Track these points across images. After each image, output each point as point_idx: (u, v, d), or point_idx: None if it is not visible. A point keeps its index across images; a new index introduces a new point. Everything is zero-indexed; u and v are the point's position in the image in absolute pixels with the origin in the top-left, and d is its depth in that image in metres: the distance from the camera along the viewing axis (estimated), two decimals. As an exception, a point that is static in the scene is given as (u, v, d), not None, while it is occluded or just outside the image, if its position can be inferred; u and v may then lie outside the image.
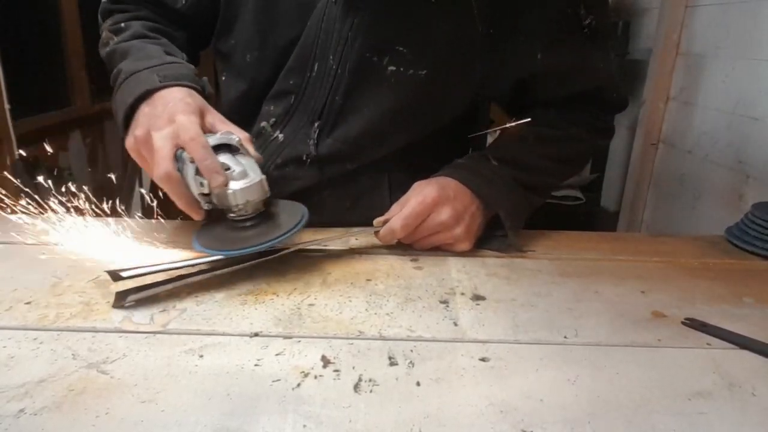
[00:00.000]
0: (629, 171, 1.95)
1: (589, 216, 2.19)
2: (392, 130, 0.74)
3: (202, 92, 0.68)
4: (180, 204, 0.61)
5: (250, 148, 0.63)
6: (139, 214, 0.75)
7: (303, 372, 0.44)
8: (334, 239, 0.70)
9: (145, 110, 0.64)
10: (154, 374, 0.43)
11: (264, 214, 0.62)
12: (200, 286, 0.58)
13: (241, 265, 0.60)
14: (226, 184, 0.58)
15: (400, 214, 0.65)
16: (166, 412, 0.39)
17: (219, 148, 0.60)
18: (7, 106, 1.94)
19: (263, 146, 0.76)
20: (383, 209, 0.69)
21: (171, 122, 0.60)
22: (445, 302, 0.57)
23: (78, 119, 2.39)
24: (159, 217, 0.72)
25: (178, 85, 0.65)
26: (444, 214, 0.66)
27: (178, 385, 0.42)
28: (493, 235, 0.71)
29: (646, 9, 1.99)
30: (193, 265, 0.59)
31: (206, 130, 0.62)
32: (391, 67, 0.70)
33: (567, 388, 0.43)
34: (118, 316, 0.52)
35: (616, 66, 0.88)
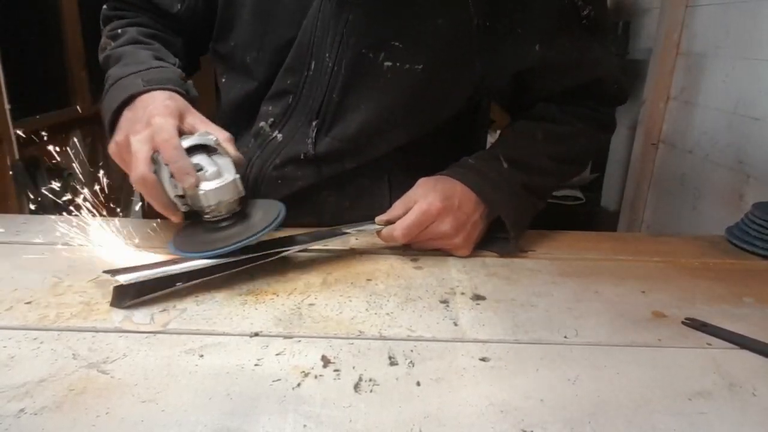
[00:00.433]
0: (629, 171, 1.95)
1: (589, 216, 2.19)
2: (390, 127, 0.74)
3: (186, 95, 0.68)
4: (157, 207, 0.61)
5: (230, 148, 0.63)
6: (137, 209, 0.75)
7: (303, 372, 0.44)
8: (334, 239, 0.70)
9: (127, 115, 0.64)
10: (154, 374, 0.43)
11: (239, 214, 0.62)
12: (200, 286, 0.58)
13: (243, 267, 0.60)
14: (196, 185, 0.58)
15: (402, 222, 0.65)
16: (166, 411, 0.39)
17: (195, 149, 0.60)
18: (7, 106, 1.94)
19: (262, 146, 0.76)
20: (383, 209, 0.69)
21: (148, 125, 0.60)
22: (445, 302, 0.57)
23: (78, 119, 2.39)
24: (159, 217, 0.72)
25: (160, 89, 0.65)
26: (446, 224, 0.66)
27: (179, 384, 0.42)
28: (495, 237, 0.71)
29: (647, 9, 1.99)
30: (192, 271, 0.58)
31: (186, 132, 0.62)
32: (387, 63, 0.70)
33: (567, 388, 0.43)
34: (118, 316, 0.52)
35: (616, 58, 0.87)
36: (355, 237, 0.74)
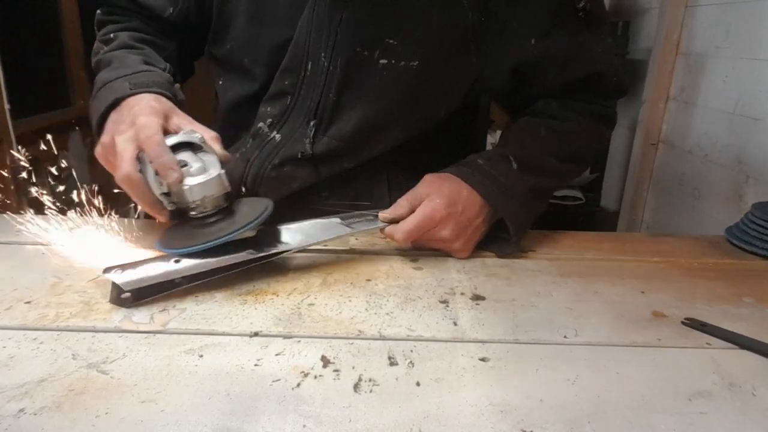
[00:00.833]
0: (629, 171, 1.95)
1: (589, 216, 2.19)
2: (388, 125, 0.74)
3: (173, 99, 0.67)
4: (143, 205, 0.61)
5: (215, 146, 0.62)
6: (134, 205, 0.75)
7: (303, 372, 0.44)
8: (334, 239, 0.70)
9: (113, 117, 0.64)
10: (154, 374, 0.43)
11: (226, 210, 0.61)
12: (200, 285, 0.58)
13: (245, 267, 0.60)
14: (181, 181, 0.57)
15: (403, 226, 0.65)
16: (166, 411, 0.39)
17: (180, 147, 0.59)
18: (7, 106, 1.94)
19: (260, 147, 0.76)
20: (382, 208, 0.68)
21: (132, 125, 0.60)
22: (445, 302, 0.57)
23: (78, 119, 2.39)
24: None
25: (147, 92, 0.65)
26: (447, 230, 0.66)
27: (178, 384, 0.42)
28: (497, 237, 0.70)
29: (646, 9, 1.99)
30: (193, 273, 0.58)
31: (172, 132, 0.62)
32: (383, 60, 0.70)
33: (567, 388, 0.43)
34: (118, 316, 0.52)
35: (614, 51, 0.86)
36: (355, 237, 0.74)
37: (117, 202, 0.69)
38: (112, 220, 0.70)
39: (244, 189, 0.76)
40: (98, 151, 0.64)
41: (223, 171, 0.60)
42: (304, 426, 0.38)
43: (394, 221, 0.66)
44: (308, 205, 0.78)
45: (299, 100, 0.74)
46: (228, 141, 0.81)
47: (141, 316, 0.52)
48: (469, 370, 0.45)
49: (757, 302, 0.59)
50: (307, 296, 0.57)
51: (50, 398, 0.40)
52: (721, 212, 1.51)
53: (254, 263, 0.60)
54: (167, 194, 0.59)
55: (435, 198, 0.66)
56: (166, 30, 0.81)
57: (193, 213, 0.60)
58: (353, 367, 0.45)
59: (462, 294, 0.59)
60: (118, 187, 0.60)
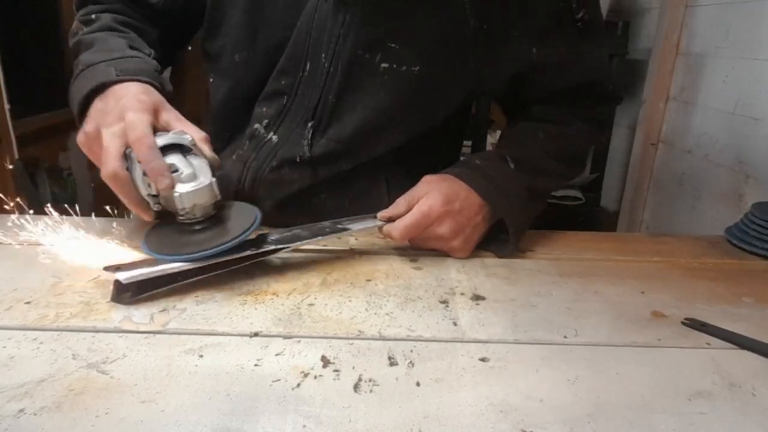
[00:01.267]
0: (629, 171, 1.95)
1: (589, 216, 2.19)
2: (387, 127, 0.74)
3: (161, 89, 0.66)
4: (128, 204, 0.59)
5: (205, 149, 0.61)
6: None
7: (303, 372, 0.44)
8: (334, 239, 0.70)
9: (98, 105, 0.62)
10: (154, 374, 0.43)
11: (214, 217, 0.60)
12: (200, 286, 0.58)
13: (243, 264, 0.60)
14: (172, 187, 0.56)
15: (401, 223, 0.65)
16: (166, 412, 0.39)
17: (170, 149, 0.58)
18: (7, 106, 1.94)
19: (257, 149, 0.75)
20: (381, 209, 0.68)
21: (120, 119, 0.58)
22: (444, 302, 0.57)
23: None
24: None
25: (134, 80, 0.63)
26: (445, 227, 0.66)
27: (178, 385, 0.42)
28: (495, 238, 0.71)
29: (646, 9, 1.99)
30: (192, 269, 0.58)
31: (161, 129, 0.60)
32: (384, 64, 0.70)
33: (567, 388, 0.43)
34: (118, 316, 0.52)
35: (610, 60, 0.88)
36: (355, 237, 0.74)
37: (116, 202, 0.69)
38: (112, 220, 0.70)
39: (241, 191, 0.76)
40: (80, 139, 0.62)
41: (214, 179, 0.58)
42: (304, 426, 0.38)
43: (392, 220, 0.66)
44: (307, 207, 0.77)
45: (296, 100, 0.73)
46: (222, 141, 0.81)
47: (141, 317, 0.52)
48: (469, 370, 0.45)
49: (757, 302, 0.59)
50: (307, 296, 0.57)
51: (50, 398, 0.40)
52: (721, 212, 1.51)
53: (254, 259, 0.60)
54: (155, 195, 0.58)
55: (432, 196, 0.66)
56: (150, 16, 0.79)
57: (181, 218, 0.59)
58: (353, 367, 0.45)
59: (462, 294, 0.59)
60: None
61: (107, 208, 0.71)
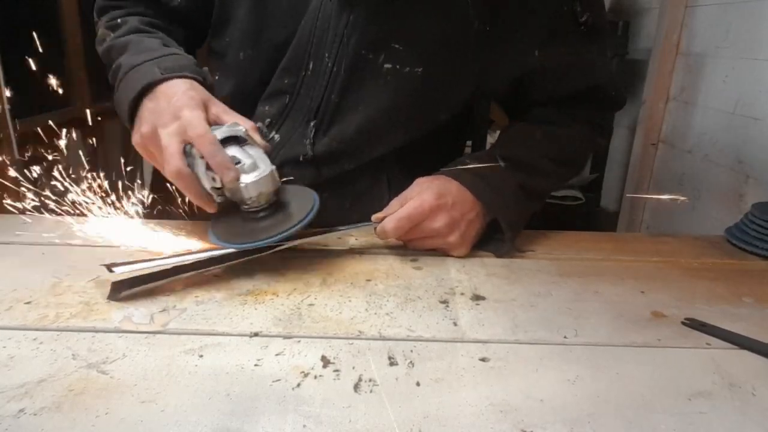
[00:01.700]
0: (629, 171, 1.95)
1: (589, 216, 2.19)
2: (389, 128, 0.74)
3: (204, 82, 0.67)
4: (193, 199, 0.61)
5: (257, 138, 0.63)
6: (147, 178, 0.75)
7: (303, 372, 0.44)
8: (333, 237, 0.70)
9: (148, 105, 0.63)
10: (154, 374, 0.43)
11: (276, 203, 0.63)
12: (200, 286, 0.58)
13: (239, 261, 0.60)
14: (238, 179, 0.59)
15: (393, 216, 0.65)
16: (165, 412, 0.39)
17: (226, 141, 0.60)
18: (7, 106, 1.94)
19: None
20: (382, 209, 0.68)
21: (176, 118, 0.60)
22: (444, 302, 0.57)
23: (78, 119, 2.39)
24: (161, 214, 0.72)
25: (179, 77, 0.64)
26: (439, 221, 0.66)
27: (178, 385, 0.42)
28: (492, 238, 0.71)
29: (646, 9, 1.99)
30: (188, 262, 0.58)
31: (212, 122, 0.62)
32: (387, 65, 0.70)
33: (567, 388, 0.43)
34: (118, 316, 0.52)
35: (614, 64, 0.88)
36: (354, 237, 0.74)
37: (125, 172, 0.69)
38: (112, 220, 0.70)
39: None
40: (137, 141, 0.63)
41: (273, 167, 0.61)
42: (304, 426, 0.38)
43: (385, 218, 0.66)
44: None
45: (298, 99, 0.74)
46: None
47: (141, 317, 0.52)
48: (469, 370, 0.45)
49: (756, 302, 0.59)
50: (307, 296, 0.57)
51: (50, 398, 0.40)
52: (721, 212, 1.51)
53: (249, 257, 0.61)
54: (218, 188, 0.60)
55: (424, 193, 0.66)
56: (172, 17, 0.80)
57: (246, 207, 0.61)
58: (353, 367, 0.45)
59: (462, 294, 0.59)
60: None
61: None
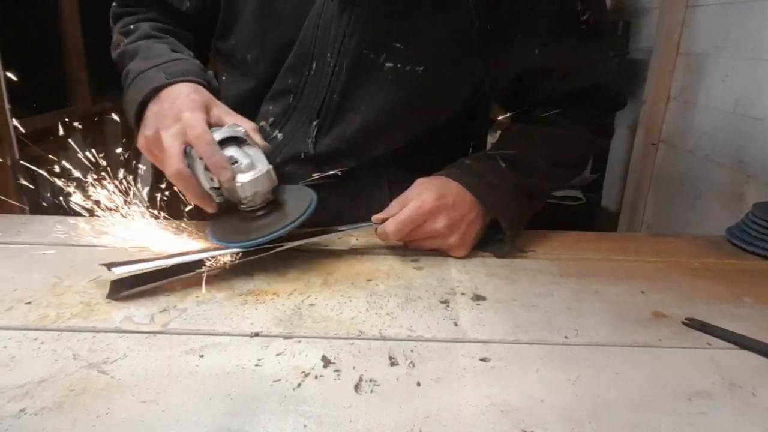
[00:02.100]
0: (630, 171, 1.95)
1: (589, 216, 2.19)
2: (390, 127, 0.74)
3: (208, 86, 0.68)
4: (193, 199, 0.62)
5: (257, 138, 0.64)
6: (142, 173, 0.76)
7: (303, 372, 0.44)
8: (333, 237, 0.70)
9: (153, 109, 0.65)
10: (154, 374, 0.43)
11: (273, 202, 0.64)
12: (201, 286, 0.58)
13: (239, 261, 0.60)
14: (233, 178, 0.60)
15: (395, 218, 0.65)
16: (166, 412, 0.39)
17: (226, 141, 0.61)
18: (7, 106, 1.94)
19: None
20: (383, 208, 0.69)
21: (178, 120, 0.61)
22: (445, 302, 0.57)
23: (78, 119, 2.39)
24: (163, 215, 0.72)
25: (183, 81, 0.66)
26: (439, 222, 0.66)
27: (179, 385, 0.42)
28: (492, 238, 0.71)
29: (647, 9, 1.99)
30: (187, 262, 0.59)
31: (213, 124, 0.63)
32: (389, 64, 0.70)
33: (567, 388, 0.43)
34: (118, 316, 0.52)
35: (615, 64, 0.88)
36: (355, 237, 0.74)
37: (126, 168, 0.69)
38: (111, 220, 0.70)
39: None
40: (141, 143, 0.65)
41: (270, 166, 0.62)
42: (305, 426, 0.38)
43: (386, 221, 0.66)
44: None
45: (302, 99, 0.74)
46: None
47: (141, 317, 0.52)
48: (470, 370, 0.45)
49: (757, 302, 0.59)
50: (308, 296, 0.57)
51: (51, 398, 0.40)
52: (721, 212, 1.51)
53: (249, 257, 0.61)
54: (216, 188, 0.61)
55: (424, 194, 0.67)
56: (183, 22, 0.82)
57: (243, 206, 0.62)
58: (354, 368, 0.45)
59: (462, 294, 0.59)
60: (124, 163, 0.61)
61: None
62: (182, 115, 0.61)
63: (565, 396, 0.42)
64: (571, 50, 0.73)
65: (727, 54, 1.51)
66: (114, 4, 0.82)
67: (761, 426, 0.40)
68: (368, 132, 0.73)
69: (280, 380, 0.43)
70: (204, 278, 0.58)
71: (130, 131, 0.69)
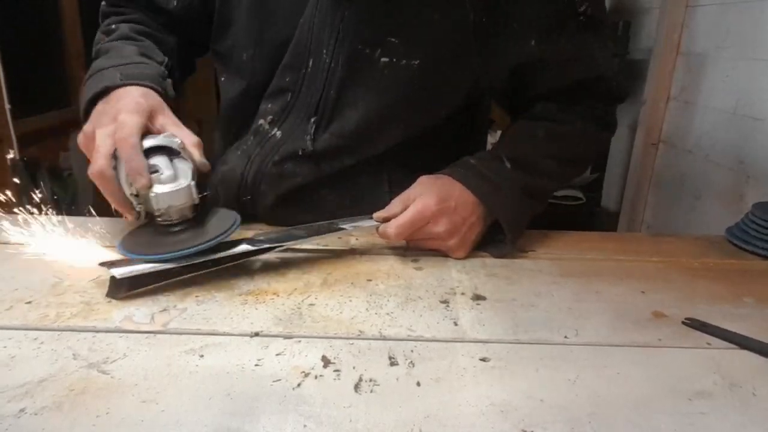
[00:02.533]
0: (630, 171, 1.95)
1: (589, 216, 2.19)
2: (388, 123, 0.74)
3: (163, 94, 0.67)
4: (112, 203, 0.60)
5: (195, 153, 0.62)
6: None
7: (303, 372, 0.44)
8: (333, 237, 0.70)
9: (99, 107, 0.64)
10: (154, 374, 0.43)
11: (192, 220, 0.60)
12: (200, 286, 0.58)
13: (239, 261, 0.60)
14: (148, 187, 0.57)
15: (396, 221, 0.65)
16: (166, 412, 0.39)
17: (157, 150, 0.59)
18: (7, 106, 1.94)
19: (261, 144, 0.77)
20: (383, 207, 0.68)
21: (114, 120, 0.60)
22: (445, 302, 0.57)
23: (78, 119, 2.39)
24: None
25: (136, 85, 0.65)
26: (440, 226, 0.66)
27: (179, 385, 0.42)
28: (493, 239, 0.70)
29: (647, 9, 1.99)
30: (187, 265, 0.58)
31: (156, 132, 0.61)
32: (384, 59, 0.70)
33: (567, 388, 0.43)
34: (118, 316, 0.52)
35: (615, 56, 0.87)
36: (355, 237, 0.74)
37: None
38: (111, 220, 0.70)
39: (244, 185, 0.77)
40: (80, 139, 0.63)
41: (193, 182, 0.59)
42: (305, 426, 0.38)
43: (388, 220, 0.66)
44: (308, 203, 0.78)
45: (300, 97, 0.74)
46: (229, 138, 0.83)
47: (141, 316, 0.52)
48: (470, 370, 0.45)
49: (757, 302, 0.59)
50: (308, 296, 0.57)
51: (51, 398, 0.40)
52: (721, 212, 1.51)
53: (251, 257, 0.61)
54: (137, 195, 0.59)
55: (427, 195, 0.66)
56: (169, 23, 0.81)
57: (159, 220, 0.60)
58: (354, 367, 0.45)
59: (462, 294, 0.59)
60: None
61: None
62: (119, 116, 0.59)
63: (565, 396, 0.42)
64: (569, 42, 0.73)
65: (727, 54, 1.51)
66: (103, 3, 0.82)
67: (761, 426, 0.40)
68: (366, 128, 0.73)
69: (280, 380, 0.43)
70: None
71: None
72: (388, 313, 0.54)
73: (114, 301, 0.54)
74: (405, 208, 0.66)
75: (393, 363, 0.46)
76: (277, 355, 0.46)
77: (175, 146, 0.60)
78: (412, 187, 0.68)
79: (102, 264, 0.56)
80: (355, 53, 0.70)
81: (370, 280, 0.61)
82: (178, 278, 0.57)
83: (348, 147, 0.75)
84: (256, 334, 0.49)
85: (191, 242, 0.57)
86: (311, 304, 0.55)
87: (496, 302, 0.57)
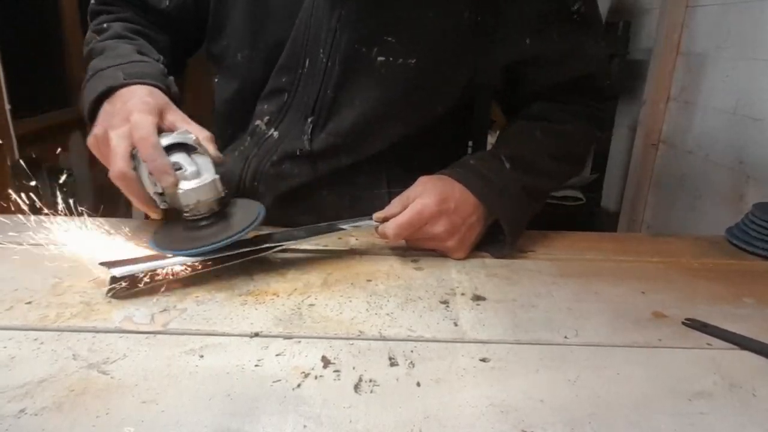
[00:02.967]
0: (630, 171, 1.95)
1: (589, 216, 2.19)
2: (385, 121, 0.74)
3: (167, 91, 0.67)
4: (136, 203, 0.61)
5: (210, 147, 0.62)
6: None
7: (303, 372, 0.44)
8: (333, 237, 0.70)
9: (106, 108, 0.64)
10: (154, 374, 0.43)
11: (219, 213, 0.62)
12: (200, 286, 0.58)
13: (238, 261, 0.60)
14: (176, 184, 0.58)
15: (395, 221, 0.65)
16: (166, 412, 0.39)
17: (174, 148, 0.60)
18: (7, 106, 1.94)
19: (258, 144, 0.76)
20: (383, 208, 0.68)
21: (127, 121, 0.60)
22: (445, 302, 0.57)
23: (78, 119, 2.39)
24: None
25: (140, 83, 0.65)
26: (439, 227, 0.66)
27: (179, 385, 0.42)
28: (493, 240, 0.70)
29: (647, 9, 1.99)
30: (186, 264, 0.59)
31: (166, 130, 0.62)
32: (381, 58, 0.70)
33: (567, 388, 0.43)
34: (118, 316, 0.52)
35: (606, 54, 0.87)
36: (355, 237, 0.74)
37: (116, 202, 0.69)
38: (111, 220, 0.70)
39: (242, 186, 0.77)
40: (91, 142, 0.64)
41: (217, 176, 0.60)
42: (305, 426, 0.38)
43: (387, 220, 0.66)
44: (307, 203, 0.78)
45: (296, 97, 0.74)
46: (225, 139, 0.82)
47: (141, 317, 0.52)
48: (470, 370, 0.45)
49: (757, 303, 0.59)
50: (308, 296, 0.57)
51: (51, 398, 0.40)
52: (721, 212, 1.51)
53: (250, 257, 0.61)
54: (161, 194, 0.59)
55: (426, 196, 0.66)
56: (161, 22, 0.81)
57: (186, 215, 0.61)
58: (354, 368, 0.45)
59: (462, 294, 0.59)
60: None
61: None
62: (132, 116, 0.60)
63: (565, 396, 0.42)
64: (562, 40, 0.73)
65: (727, 54, 1.51)
66: (92, 1, 0.81)
67: (761, 426, 0.40)
68: (364, 127, 0.74)
69: (280, 380, 0.43)
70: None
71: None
72: (388, 314, 0.54)
73: (114, 302, 0.54)
74: (404, 209, 0.66)
75: (393, 363, 0.46)
76: (277, 355, 0.46)
77: (191, 142, 0.61)
78: (412, 188, 0.69)
79: (102, 264, 0.56)
80: (352, 52, 0.70)
81: (370, 281, 0.61)
82: (175, 279, 0.57)
83: (345, 146, 0.75)
84: (256, 335, 0.49)
85: (222, 235, 0.59)
86: (311, 305, 0.55)
87: (496, 302, 0.57)
